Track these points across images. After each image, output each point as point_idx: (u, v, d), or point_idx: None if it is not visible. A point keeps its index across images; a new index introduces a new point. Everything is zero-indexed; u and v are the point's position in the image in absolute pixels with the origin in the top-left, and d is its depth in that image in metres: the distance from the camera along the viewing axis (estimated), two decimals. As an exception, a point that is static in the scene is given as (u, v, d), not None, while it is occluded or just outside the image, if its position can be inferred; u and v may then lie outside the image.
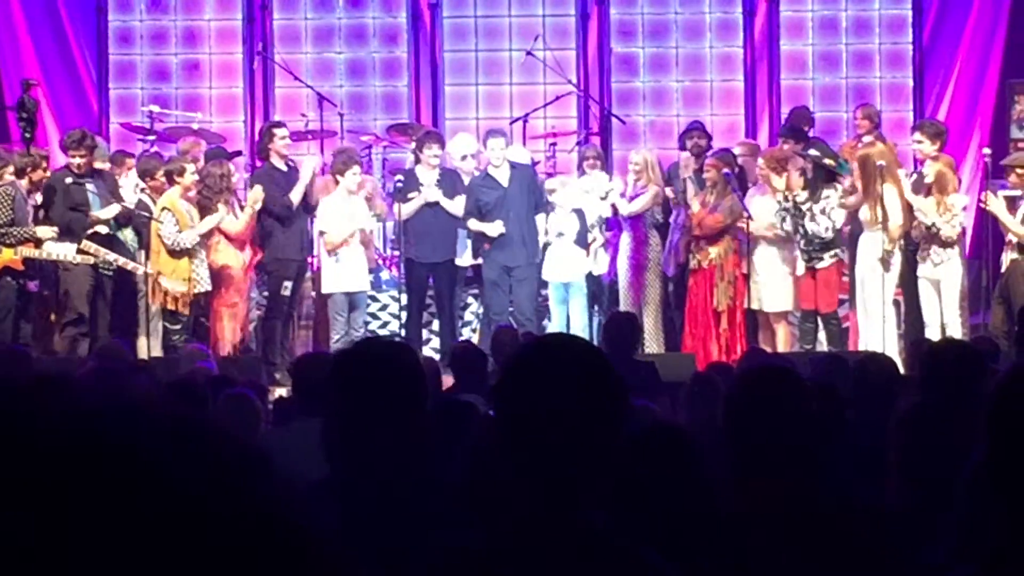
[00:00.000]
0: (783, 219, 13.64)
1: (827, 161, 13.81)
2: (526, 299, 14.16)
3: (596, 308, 14.47)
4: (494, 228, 14.13)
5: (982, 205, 13.81)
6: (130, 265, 13.39)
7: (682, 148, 14.90)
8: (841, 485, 4.28)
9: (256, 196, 13.85)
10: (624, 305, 13.99)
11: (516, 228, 14.13)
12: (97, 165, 13.87)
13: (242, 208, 14.00)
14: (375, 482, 3.52)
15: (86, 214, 13.36)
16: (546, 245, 14.30)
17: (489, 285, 14.22)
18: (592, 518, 2.82)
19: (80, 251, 13.12)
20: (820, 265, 13.64)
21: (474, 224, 14.21)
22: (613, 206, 14.33)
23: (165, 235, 13.38)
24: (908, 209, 13.45)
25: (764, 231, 13.74)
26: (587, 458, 2.80)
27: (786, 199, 13.60)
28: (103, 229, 13.48)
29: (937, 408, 5.39)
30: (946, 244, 13.34)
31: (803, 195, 13.66)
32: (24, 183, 13.62)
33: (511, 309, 14.14)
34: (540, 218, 14.31)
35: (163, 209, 13.47)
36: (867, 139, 14.52)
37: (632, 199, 14.24)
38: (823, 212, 13.56)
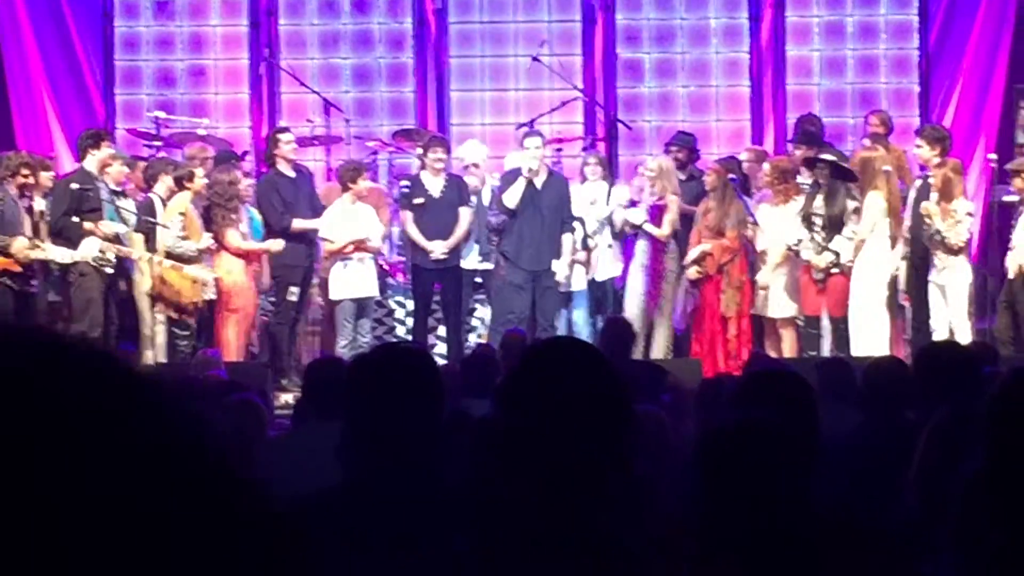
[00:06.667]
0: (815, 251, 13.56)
1: (843, 164, 13.73)
2: (552, 307, 14.04)
3: (599, 315, 14.36)
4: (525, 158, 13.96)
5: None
6: (135, 254, 13.23)
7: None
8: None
9: (273, 248, 13.86)
10: (639, 312, 13.84)
11: (543, 231, 13.91)
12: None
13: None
14: (391, 488, 3.51)
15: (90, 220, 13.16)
16: None
17: (513, 288, 13.93)
18: (596, 521, 2.77)
19: (99, 254, 12.89)
20: (828, 262, 13.48)
21: (509, 195, 13.94)
22: (626, 219, 14.18)
23: (166, 239, 13.26)
24: (900, 215, 13.44)
25: (776, 251, 13.70)
26: (592, 461, 2.75)
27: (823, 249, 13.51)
28: (120, 228, 13.30)
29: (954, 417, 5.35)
30: (952, 250, 13.27)
31: (820, 207, 13.52)
32: None
33: (526, 314, 13.93)
34: None
35: (180, 214, 13.37)
36: (866, 142, 14.41)
37: (652, 209, 14.07)
38: (850, 238, 13.44)
